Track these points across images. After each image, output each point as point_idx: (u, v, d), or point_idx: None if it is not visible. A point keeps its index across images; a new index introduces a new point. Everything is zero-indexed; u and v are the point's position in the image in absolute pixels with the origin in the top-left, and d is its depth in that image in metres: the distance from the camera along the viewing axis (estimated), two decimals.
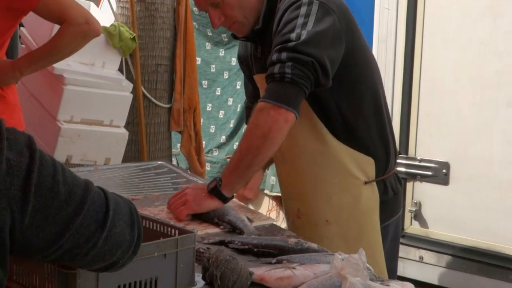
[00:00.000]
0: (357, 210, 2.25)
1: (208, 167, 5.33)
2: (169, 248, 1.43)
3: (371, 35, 4.17)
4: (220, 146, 5.66)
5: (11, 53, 3.97)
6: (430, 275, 4.09)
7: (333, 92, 2.16)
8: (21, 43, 4.02)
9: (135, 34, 4.17)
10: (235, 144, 5.53)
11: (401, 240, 4.08)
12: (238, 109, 5.57)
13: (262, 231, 2.07)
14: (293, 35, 2.03)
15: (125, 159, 4.12)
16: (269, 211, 5.34)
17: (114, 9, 4.38)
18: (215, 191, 2.07)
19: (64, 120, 3.78)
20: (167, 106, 4.53)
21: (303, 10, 2.06)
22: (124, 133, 4.04)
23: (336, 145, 2.21)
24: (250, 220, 2.13)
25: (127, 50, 4.13)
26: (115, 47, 4.06)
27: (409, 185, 4.15)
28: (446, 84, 3.96)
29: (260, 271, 1.61)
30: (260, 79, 2.32)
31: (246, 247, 1.85)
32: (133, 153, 4.34)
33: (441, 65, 3.97)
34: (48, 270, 1.31)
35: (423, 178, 4.08)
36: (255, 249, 1.84)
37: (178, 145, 4.83)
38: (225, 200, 2.09)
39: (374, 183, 2.25)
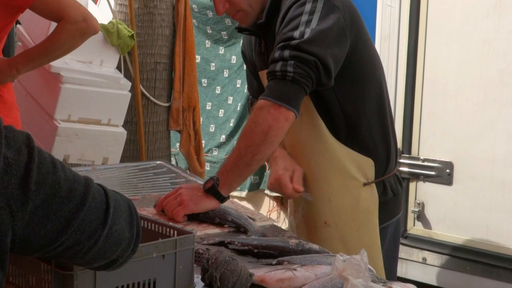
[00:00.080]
0: (356, 211, 2.25)
1: (207, 167, 5.33)
2: (168, 249, 1.43)
3: (374, 33, 4.17)
4: (220, 146, 5.66)
5: (7, 51, 3.98)
6: (433, 276, 4.09)
7: (336, 89, 2.16)
8: (18, 41, 4.02)
9: (133, 32, 4.17)
10: (235, 144, 5.53)
11: (404, 241, 4.10)
12: (238, 108, 5.57)
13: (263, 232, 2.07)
14: (296, 33, 2.03)
15: (123, 159, 4.12)
16: (270, 212, 5.34)
17: (112, 6, 4.38)
18: (213, 190, 2.07)
19: (61, 119, 3.79)
20: (166, 104, 4.54)
21: (307, 7, 2.06)
22: (122, 132, 4.04)
23: (335, 144, 2.21)
24: (253, 219, 2.13)
25: (126, 48, 4.14)
26: (113, 45, 4.06)
27: (412, 185, 4.15)
28: (449, 83, 3.96)
29: (260, 272, 1.61)
30: (263, 76, 2.32)
31: (246, 248, 1.85)
32: (131, 152, 4.35)
33: (445, 64, 3.97)
34: (45, 271, 1.31)
35: (426, 178, 4.08)
36: (255, 250, 1.84)
37: (177, 144, 4.84)
38: (222, 199, 2.09)
39: (373, 185, 2.25)
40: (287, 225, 3.15)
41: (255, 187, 5.40)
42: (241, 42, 5.52)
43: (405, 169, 4.11)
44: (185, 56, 4.55)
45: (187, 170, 3.65)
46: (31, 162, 1.07)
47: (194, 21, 5.24)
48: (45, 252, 1.14)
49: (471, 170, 3.90)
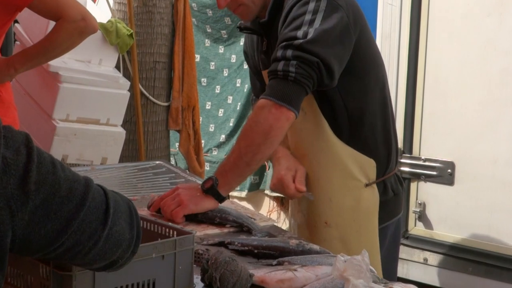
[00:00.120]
0: (357, 212, 2.25)
1: (207, 167, 5.33)
2: (167, 249, 1.43)
3: (374, 32, 4.17)
4: (219, 146, 5.66)
5: (5, 50, 3.98)
6: (434, 277, 4.09)
7: (339, 88, 2.16)
8: (16, 40, 4.03)
9: (132, 31, 4.17)
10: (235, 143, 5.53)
11: (405, 242, 4.10)
12: (238, 108, 5.57)
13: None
14: (299, 33, 2.03)
15: (122, 159, 4.12)
16: (270, 212, 5.34)
17: (111, 5, 4.38)
18: (212, 190, 2.06)
19: (60, 118, 3.79)
20: (165, 104, 4.54)
21: (311, 6, 2.06)
22: (121, 132, 4.04)
23: (337, 144, 2.21)
24: (253, 219, 2.13)
25: (124, 47, 4.14)
26: (112, 44, 4.06)
27: (413, 185, 4.15)
28: (451, 82, 3.96)
29: (261, 273, 1.61)
30: (266, 75, 2.33)
31: (246, 248, 1.85)
32: (130, 152, 4.35)
33: (446, 63, 3.97)
34: (43, 272, 1.31)
35: (428, 178, 4.08)
36: (255, 251, 1.84)
37: (177, 144, 4.84)
38: (222, 199, 2.08)
39: (375, 185, 2.26)
40: (287, 225, 3.15)
41: (255, 187, 5.40)
42: (241, 41, 5.57)
43: (406, 169, 4.11)
44: (185, 55, 4.55)
45: (187, 170, 3.65)
46: (30, 162, 1.07)
47: (193, 20, 5.24)
48: (45, 253, 1.14)
49: (472, 170, 3.90)
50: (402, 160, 4.09)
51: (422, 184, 4.13)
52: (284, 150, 2.29)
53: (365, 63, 2.22)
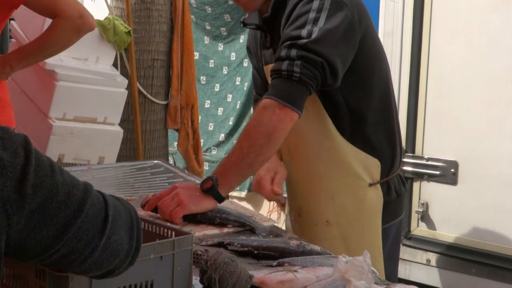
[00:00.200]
0: (360, 212, 2.26)
1: (206, 166, 5.34)
2: (165, 250, 1.43)
3: (377, 29, 4.16)
4: (219, 145, 5.67)
5: (1, 48, 3.97)
6: (437, 278, 4.10)
7: (341, 86, 2.16)
8: (12, 38, 4.03)
9: (130, 28, 4.18)
10: (234, 143, 5.52)
11: (408, 242, 4.10)
12: (238, 106, 5.58)
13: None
14: (304, 32, 2.03)
15: (120, 158, 4.13)
16: (270, 212, 5.33)
17: (109, 2, 4.38)
18: (212, 191, 2.05)
19: (56, 117, 3.79)
20: (164, 102, 4.54)
21: (315, 4, 2.06)
22: (118, 131, 4.05)
23: (342, 143, 2.22)
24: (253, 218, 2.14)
25: (122, 45, 4.14)
26: (109, 41, 4.07)
27: (416, 185, 4.15)
28: (454, 80, 3.96)
29: (260, 274, 1.61)
30: (268, 71, 2.33)
31: (245, 249, 1.85)
32: (128, 151, 4.35)
33: (450, 60, 3.97)
34: (40, 273, 1.31)
35: (431, 177, 4.08)
36: (255, 251, 1.84)
37: (175, 143, 4.84)
38: (221, 200, 2.08)
39: (379, 185, 2.26)
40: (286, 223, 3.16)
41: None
42: (240, 38, 5.57)
43: (409, 168, 4.11)
44: (183, 53, 4.56)
45: (185, 170, 3.65)
46: (28, 165, 1.06)
47: (192, 17, 5.24)
48: (41, 259, 1.14)
49: (476, 169, 3.90)
50: (405, 160, 4.09)
51: (425, 184, 4.13)
52: None
53: (369, 62, 2.22)
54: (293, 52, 2.02)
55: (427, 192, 4.13)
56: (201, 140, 5.00)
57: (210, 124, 5.73)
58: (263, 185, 2.26)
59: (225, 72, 5.70)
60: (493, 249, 3.86)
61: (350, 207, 2.26)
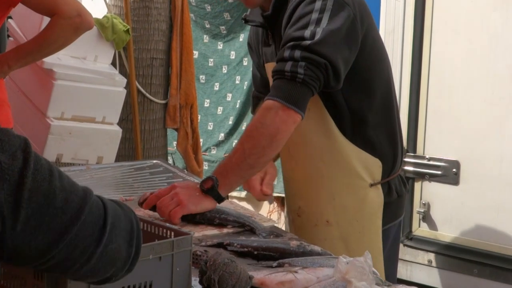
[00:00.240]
0: (360, 212, 2.26)
1: (205, 166, 5.34)
2: (164, 251, 1.43)
3: (378, 27, 4.16)
4: (218, 144, 5.66)
5: None
6: (439, 279, 4.10)
7: (342, 87, 2.16)
8: (9, 36, 4.03)
9: (129, 26, 4.18)
10: (234, 142, 5.54)
11: (409, 243, 4.10)
12: (238, 105, 5.58)
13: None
14: (307, 33, 2.04)
15: (119, 158, 4.13)
16: (270, 213, 5.34)
17: (107, 0, 4.38)
18: (212, 191, 2.05)
19: (54, 116, 3.79)
20: (163, 102, 4.54)
21: (317, 5, 2.07)
22: (117, 130, 4.04)
23: (344, 143, 2.22)
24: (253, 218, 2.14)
25: (121, 43, 4.14)
26: (108, 40, 4.07)
27: (417, 185, 4.16)
28: (456, 79, 3.96)
29: (260, 275, 1.61)
30: (269, 69, 2.33)
31: (245, 249, 1.85)
32: (126, 151, 4.35)
33: (451, 59, 3.97)
34: (37, 273, 1.31)
35: (432, 177, 4.08)
36: (255, 252, 1.84)
37: (174, 143, 4.84)
38: (221, 200, 2.08)
39: (379, 186, 2.27)
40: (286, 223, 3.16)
41: None
42: (240, 37, 5.57)
43: (410, 168, 4.11)
44: (183, 52, 4.56)
45: (185, 170, 3.65)
46: (26, 168, 1.05)
47: (191, 15, 5.24)
48: (36, 266, 1.13)
49: (478, 169, 3.90)
50: (406, 159, 4.09)
51: (426, 184, 4.13)
52: None
53: (370, 63, 2.23)
54: (297, 53, 2.03)
55: (428, 192, 4.13)
56: (201, 140, 4.99)
57: (210, 123, 5.73)
58: (253, 185, 2.28)
59: (225, 71, 5.70)
60: (495, 250, 3.86)
61: (350, 207, 2.26)
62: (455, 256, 4.01)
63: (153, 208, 2.07)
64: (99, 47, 4.07)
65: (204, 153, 5.42)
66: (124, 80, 4.09)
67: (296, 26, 2.08)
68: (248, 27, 4.82)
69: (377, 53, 2.27)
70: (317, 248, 1.84)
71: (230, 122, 5.61)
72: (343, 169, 2.24)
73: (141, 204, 2.10)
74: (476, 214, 3.92)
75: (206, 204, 2.06)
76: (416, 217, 4.16)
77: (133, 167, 2.87)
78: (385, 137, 2.29)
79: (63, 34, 2.70)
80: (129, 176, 2.73)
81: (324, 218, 2.27)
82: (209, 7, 5.56)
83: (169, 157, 5.14)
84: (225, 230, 2.06)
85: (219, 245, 1.90)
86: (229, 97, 5.68)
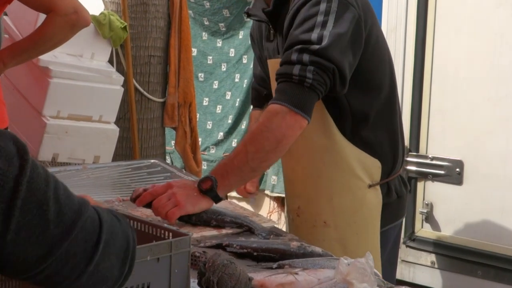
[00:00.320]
0: (358, 214, 2.26)
1: (204, 165, 5.34)
2: (162, 252, 1.43)
3: (380, 25, 4.17)
4: (217, 144, 5.66)
5: None
6: (442, 281, 4.10)
7: None
8: (4, 33, 4.03)
9: (126, 23, 4.17)
10: (234, 141, 5.54)
11: (412, 244, 4.10)
12: (237, 104, 5.58)
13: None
14: (314, 36, 2.04)
15: (116, 157, 4.12)
16: (270, 213, 5.34)
17: None
18: (211, 192, 2.04)
19: (50, 115, 3.79)
20: (161, 100, 4.54)
21: (322, 6, 2.08)
22: (114, 129, 4.04)
23: (343, 143, 2.23)
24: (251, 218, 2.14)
25: (118, 41, 4.14)
26: (105, 37, 4.06)
27: (420, 185, 4.16)
28: (459, 77, 3.96)
29: (260, 277, 1.61)
30: (271, 65, 2.34)
31: (245, 251, 1.85)
32: (124, 150, 4.35)
33: (454, 57, 3.97)
34: None
35: (435, 177, 4.08)
36: (255, 253, 1.84)
37: (173, 142, 4.84)
38: (218, 201, 2.08)
39: (378, 187, 2.27)
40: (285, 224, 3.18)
41: None
42: (240, 34, 5.57)
43: (413, 168, 4.12)
44: (181, 49, 4.56)
45: (183, 169, 3.65)
46: (21, 176, 1.04)
47: (190, 12, 5.24)
48: (24, 278, 1.12)
49: (482, 168, 3.90)
50: (409, 159, 4.10)
51: (429, 184, 4.13)
52: None
53: (372, 63, 2.23)
54: (306, 57, 2.03)
55: (431, 193, 4.13)
56: (199, 139, 4.99)
57: (209, 122, 5.73)
58: None
59: (224, 69, 5.70)
60: (499, 251, 3.86)
61: (348, 209, 2.27)
62: (459, 257, 4.01)
63: (147, 205, 2.06)
64: (96, 44, 4.06)
65: (203, 153, 5.42)
66: (122, 78, 4.09)
67: (301, 28, 2.08)
68: (248, 25, 4.82)
69: (380, 52, 2.27)
70: (317, 249, 1.84)
71: (230, 121, 5.61)
72: (342, 169, 2.25)
73: (133, 200, 2.08)
74: (480, 215, 3.93)
75: (203, 205, 2.06)
76: (418, 218, 4.16)
77: (131, 166, 2.87)
78: (386, 137, 2.30)
79: (59, 31, 2.70)
80: (127, 176, 2.73)
81: (322, 219, 2.28)
82: (208, 4, 5.56)
83: (167, 157, 5.14)
84: (224, 231, 2.06)
85: (218, 246, 1.90)
86: (228, 95, 5.68)
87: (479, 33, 3.87)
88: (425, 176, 4.13)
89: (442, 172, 4.05)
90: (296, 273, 1.62)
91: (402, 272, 4.17)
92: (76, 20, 2.69)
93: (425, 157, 4.11)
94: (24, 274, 1.10)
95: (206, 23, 5.67)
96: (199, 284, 1.55)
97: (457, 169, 3.98)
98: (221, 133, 5.65)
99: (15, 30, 3.83)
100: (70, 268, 1.11)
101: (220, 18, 5.62)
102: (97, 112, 3.96)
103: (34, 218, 1.05)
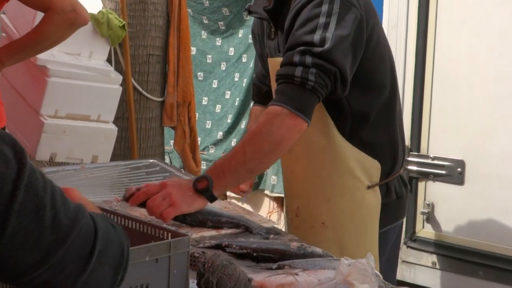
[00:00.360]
0: (357, 215, 2.26)
1: (203, 165, 5.33)
2: (161, 252, 1.43)
3: (381, 21, 4.16)
4: (216, 143, 5.67)
5: None
6: (443, 282, 4.10)
7: None
8: (2, 32, 4.03)
9: (124, 22, 4.17)
10: (233, 141, 5.54)
11: (413, 245, 4.10)
12: (236, 103, 5.58)
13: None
14: (316, 38, 2.04)
15: (114, 157, 4.12)
16: (270, 213, 5.34)
17: None
18: (207, 191, 2.03)
19: (48, 115, 3.79)
20: (160, 99, 4.54)
21: (324, 8, 2.08)
22: (113, 129, 4.04)
23: (342, 143, 2.23)
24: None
25: (116, 39, 4.14)
26: (103, 36, 4.06)
27: (421, 185, 4.15)
28: (461, 75, 3.95)
29: (260, 277, 1.61)
30: (272, 64, 2.34)
31: (244, 251, 1.85)
32: (122, 150, 4.35)
33: (456, 55, 3.97)
34: None
35: (436, 177, 4.08)
36: (255, 254, 1.84)
37: (172, 142, 4.84)
38: (213, 200, 2.07)
39: (377, 188, 2.27)
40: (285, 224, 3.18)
41: (254, 187, 5.39)
42: (239, 33, 5.57)
43: (414, 168, 4.11)
44: (180, 48, 4.56)
45: (182, 169, 3.65)
46: (19, 179, 1.04)
47: (189, 10, 5.24)
48: (18, 284, 1.12)
49: (484, 168, 3.90)
50: (410, 159, 4.09)
51: (430, 184, 4.13)
52: None
53: (373, 63, 2.24)
54: (308, 59, 2.03)
55: (432, 193, 4.13)
56: (199, 139, 4.99)
57: (208, 121, 5.73)
58: None
59: (223, 68, 5.70)
60: (501, 252, 3.86)
61: (346, 210, 2.27)
62: (460, 258, 4.00)
63: (141, 205, 2.04)
64: (94, 43, 4.06)
65: (202, 152, 5.42)
66: (120, 77, 4.09)
67: (303, 29, 2.08)
68: (247, 23, 4.82)
69: (381, 52, 2.27)
70: (318, 250, 1.84)
71: (229, 121, 5.61)
72: (341, 170, 2.25)
73: (127, 199, 2.07)
74: (481, 215, 3.92)
75: (198, 204, 2.05)
76: (420, 218, 4.16)
77: (129, 166, 2.87)
78: (385, 138, 2.30)
79: (57, 30, 2.70)
80: (125, 175, 2.73)
81: (320, 220, 2.28)
82: (207, 2, 5.57)
83: (166, 157, 5.14)
84: (223, 231, 2.06)
85: (217, 247, 1.90)
86: (227, 94, 5.68)
87: (481, 30, 3.86)
88: (426, 176, 4.13)
89: (443, 172, 4.05)
90: (296, 274, 1.62)
91: (403, 273, 4.17)
92: (74, 19, 2.68)
93: (426, 156, 4.11)
94: (21, 279, 1.10)
95: (205, 21, 5.67)
96: (198, 284, 1.55)
97: (459, 169, 3.98)
98: (221, 133, 5.65)
99: (12, 28, 3.83)
100: (64, 276, 1.11)
101: (219, 16, 5.62)
102: (95, 111, 3.96)
103: (30, 223, 1.05)
